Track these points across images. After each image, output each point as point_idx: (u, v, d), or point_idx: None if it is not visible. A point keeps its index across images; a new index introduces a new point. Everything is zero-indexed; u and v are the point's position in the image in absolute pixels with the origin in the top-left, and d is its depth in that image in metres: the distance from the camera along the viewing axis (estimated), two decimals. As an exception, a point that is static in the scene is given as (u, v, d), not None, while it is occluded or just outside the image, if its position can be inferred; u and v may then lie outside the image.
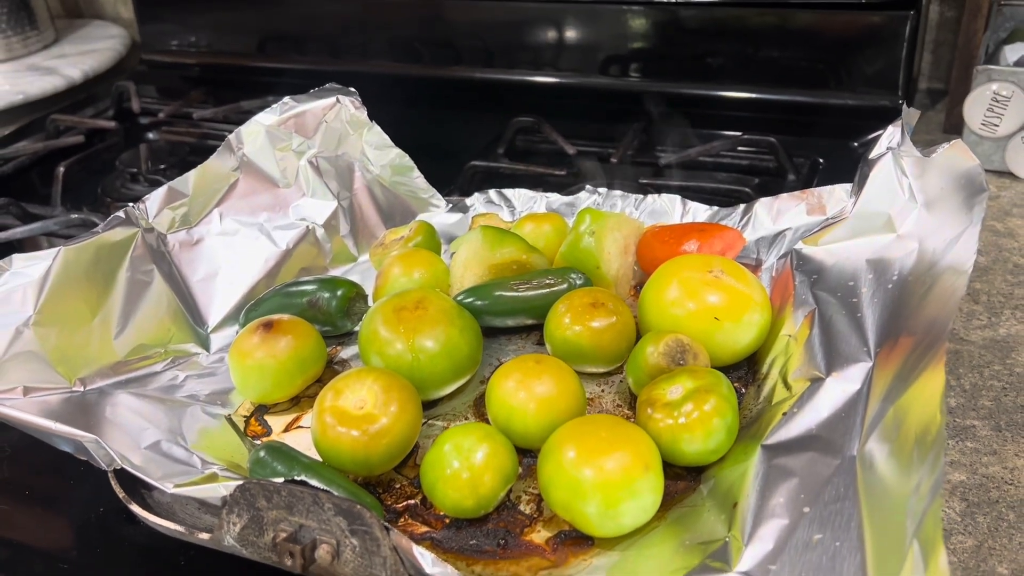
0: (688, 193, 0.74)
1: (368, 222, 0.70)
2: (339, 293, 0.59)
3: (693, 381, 0.48)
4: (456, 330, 0.52)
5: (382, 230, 0.71)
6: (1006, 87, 0.78)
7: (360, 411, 0.47)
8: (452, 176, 0.84)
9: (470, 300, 0.57)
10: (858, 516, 0.39)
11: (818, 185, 0.80)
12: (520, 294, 0.57)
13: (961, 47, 0.87)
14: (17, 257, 0.52)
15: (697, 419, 0.46)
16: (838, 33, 0.90)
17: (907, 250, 0.52)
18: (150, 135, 1.09)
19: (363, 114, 0.71)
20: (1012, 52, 0.85)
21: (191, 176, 0.63)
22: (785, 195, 0.64)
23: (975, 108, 0.81)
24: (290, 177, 0.67)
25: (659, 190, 0.77)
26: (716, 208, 0.67)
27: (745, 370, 0.55)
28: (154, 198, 0.61)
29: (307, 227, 0.66)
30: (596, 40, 0.99)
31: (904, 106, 0.56)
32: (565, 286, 0.57)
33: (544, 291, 0.57)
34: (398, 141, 0.74)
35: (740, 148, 0.86)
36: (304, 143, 0.68)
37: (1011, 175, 0.82)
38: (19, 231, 0.79)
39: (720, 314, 0.53)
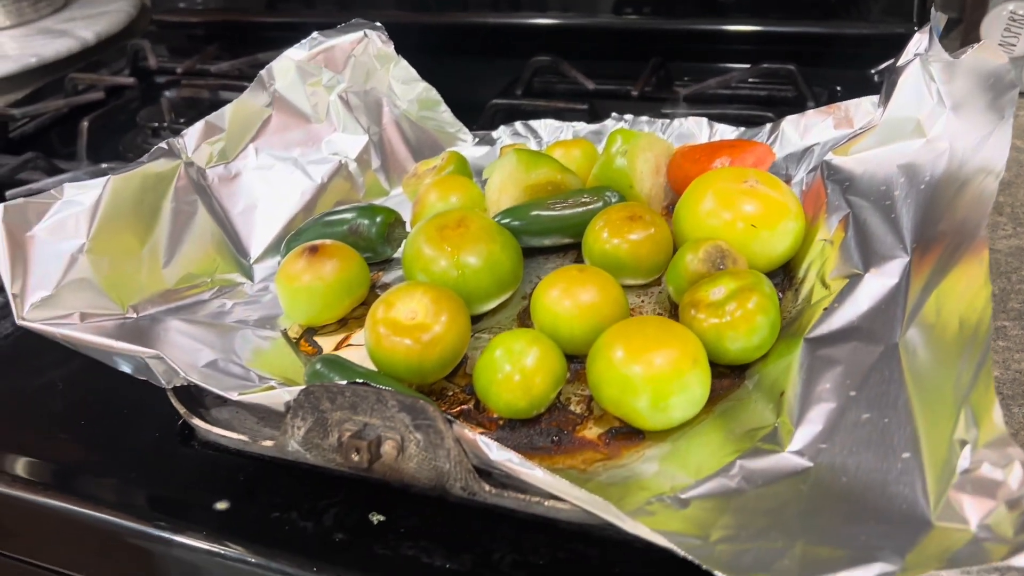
0: (712, 119, 0.75)
1: (398, 156, 0.71)
2: (378, 219, 0.60)
3: (735, 282, 0.49)
4: (498, 246, 0.54)
5: (411, 164, 0.72)
6: (1023, 7, 0.79)
7: (412, 321, 0.49)
8: (474, 116, 0.85)
9: (508, 220, 0.58)
10: (905, 395, 0.41)
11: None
12: (557, 213, 0.58)
13: (976, -31, 0.87)
14: (69, 185, 0.53)
15: (741, 317, 0.47)
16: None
17: (937, 152, 0.53)
18: (167, 93, 1.09)
19: (390, 48, 0.72)
20: (1027, -28, 0.85)
21: (227, 111, 0.64)
22: (811, 111, 0.64)
23: (992, 29, 0.81)
24: (321, 112, 0.68)
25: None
26: (743, 128, 0.68)
27: (781, 277, 0.56)
28: (192, 132, 0.62)
29: (340, 161, 0.67)
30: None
31: (933, 10, 0.56)
32: (601, 204, 0.58)
33: (580, 209, 0.58)
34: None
35: (758, 80, 0.86)
36: (334, 78, 0.69)
37: (1028, 95, 0.82)
38: (50, 181, 0.80)
39: (756, 222, 0.54)
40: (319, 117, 0.68)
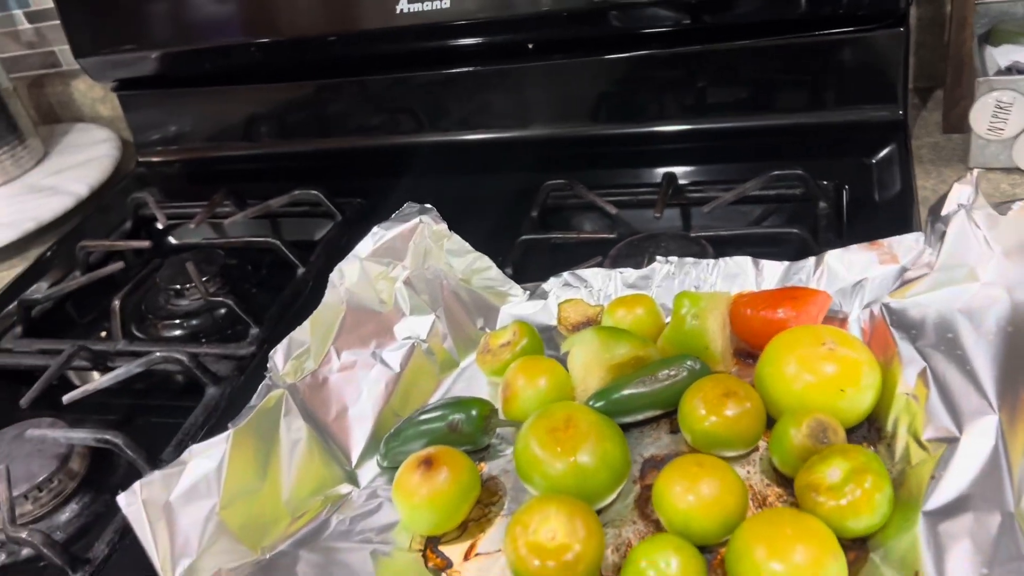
0: (744, 245, 0.79)
1: (462, 325, 0.74)
2: (474, 413, 0.62)
3: (847, 461, 0.52)
4: (608, 442, 0.57)
5: (472, 328, 0.74)
6: (1007, 95, 0.85)
7: (553, 542, 0.51)
8: (503, 250, 0.88)
9: (602, 404, 0.61)
10: None
11: (849, 212, 0.87)
12: (648, 390, 0.61)
13: (953, 56, 0.93)
14: (195, 449, 0.55)
15: (861, 498, 0.51)
16: (837, 56, 0.95)
17: (995, 298, 0.57)
18: (171, 239, 1.10)
19: (443, 226, 0.74)
20: (1001, 56, 0.91)
21: (307, 324, 0.66)
22: (854, 247, 0.68)
23: (981, 115, 0.87)
24: (390, 301, 0.70)
25: (712, 242, 0.82)
26: (787, 263, 0.71)
27: (866, 429, 0.60)
28: (279, 352, 0.64)
29: (412, 344, 0.70)
30: (602, 90, 1.03)
31: (972, 173, 0.61)
32: (685, 374, 0.62)
33: (667, 383, 0.61)
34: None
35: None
36: (397, 266, 0.71)
37: (1020, 171, 0.88)
38: (105, 380, 0.80)
39: (843, 384, 0.58)
40: (388, 306, 0.70)
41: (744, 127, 1.00)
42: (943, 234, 0.61)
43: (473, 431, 0.62)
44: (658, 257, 0.75)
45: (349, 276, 0.69)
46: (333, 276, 0.69)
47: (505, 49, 1.04)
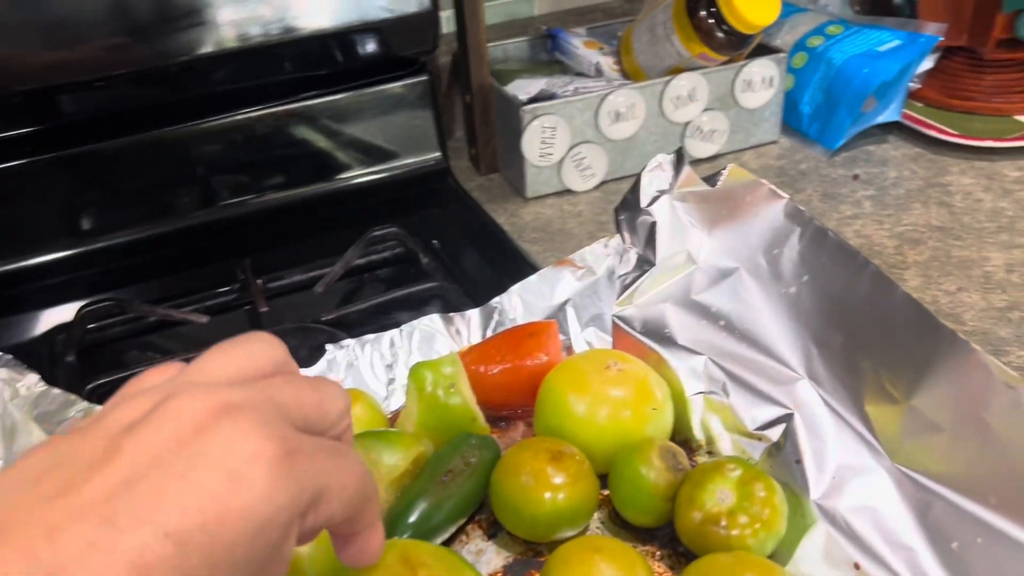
0: (382, 315, 0.68)
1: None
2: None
3: (725, 478, 0.45)
4: (468, 572, 0.40)
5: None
6: (549, 119, 0.87)
7: None
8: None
9: (410, 535, 0.43)
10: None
11: (453, 262, 0.80)
12: (451, 492, 0.45)
13: (476, 95, 0.93)
14: None
15: (767, 509, 0.44)
16: (373, 111, 0.89)
17: (726, 273, 0.55)
18: None
19: (33, 378, 0.47)
20: (518, 90, 0.94)
21: None
22: (544, 270, 0.62)
23: (531, 143, 0.88)
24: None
25: (344, 324, 0.68)
26: (477, 309, 0.62)
27: (674, 447, 0.53)
28: None
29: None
30: (110, 187, 0.80)
31: (659, 158, 0.58)
32: (477, 455, 0.48)
33: (468, 473, 0.47)
34: None
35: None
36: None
37: (571, 192, 0.92)
38: None
39: (647, 402, 0.50)
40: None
41: (304, 196, 0.87)
42: (652, 225, 0.58)
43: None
44: (328, 345, 0.59)
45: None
46: None
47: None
